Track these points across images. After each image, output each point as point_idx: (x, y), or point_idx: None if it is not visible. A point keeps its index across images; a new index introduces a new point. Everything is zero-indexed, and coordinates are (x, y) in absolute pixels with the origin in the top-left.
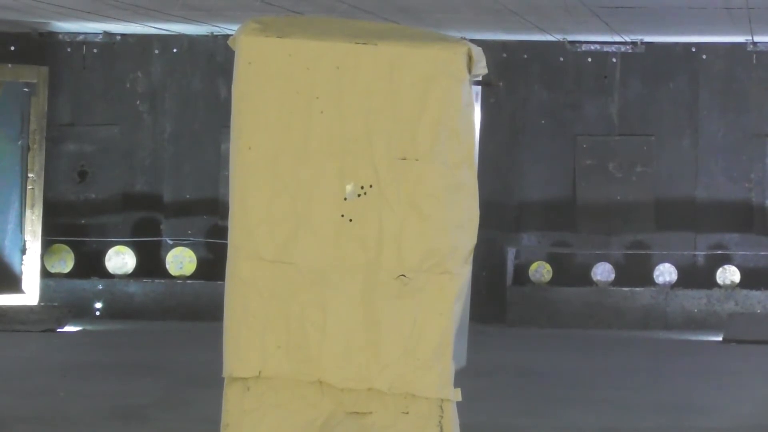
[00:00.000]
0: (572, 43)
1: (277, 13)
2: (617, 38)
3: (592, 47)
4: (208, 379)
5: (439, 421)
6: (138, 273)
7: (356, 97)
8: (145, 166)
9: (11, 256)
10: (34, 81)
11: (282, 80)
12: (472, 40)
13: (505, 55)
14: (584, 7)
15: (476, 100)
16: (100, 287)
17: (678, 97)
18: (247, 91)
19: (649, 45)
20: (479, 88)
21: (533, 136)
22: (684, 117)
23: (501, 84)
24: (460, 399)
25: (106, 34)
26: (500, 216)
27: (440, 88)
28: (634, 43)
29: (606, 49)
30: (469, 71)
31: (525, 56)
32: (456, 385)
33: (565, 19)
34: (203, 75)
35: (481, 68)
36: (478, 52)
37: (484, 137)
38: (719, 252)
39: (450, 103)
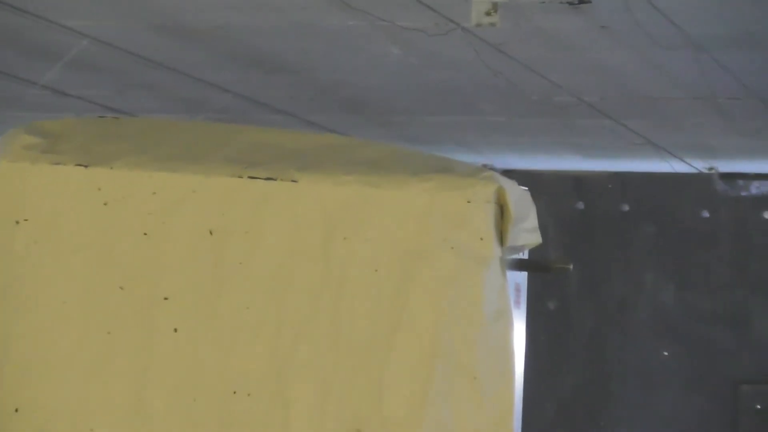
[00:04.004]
0: (727, 176)
1: (90, 113)
2: None
3: None
4: None
5: None
6: None
7: (252, 295)
8: None
9: None
10: None
11: (88, 257)
12: (509, 173)
13: (581, 205)
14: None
15: (517, 304)
16: None
17: None
18: (12, 283)
19: None
20: (523, 276)
21: (644, 384)
22: None
23: (570, 267)
24: None
25: None
26: None
27: (434, 276)
28: None
29: None
30: (502, 240)
31: (624, 206)
32: None
33: (715, 123)
34: None
35: (528, 233)
36: (518, 196)
37: (533, 385)
38: None
39: (457, 311)
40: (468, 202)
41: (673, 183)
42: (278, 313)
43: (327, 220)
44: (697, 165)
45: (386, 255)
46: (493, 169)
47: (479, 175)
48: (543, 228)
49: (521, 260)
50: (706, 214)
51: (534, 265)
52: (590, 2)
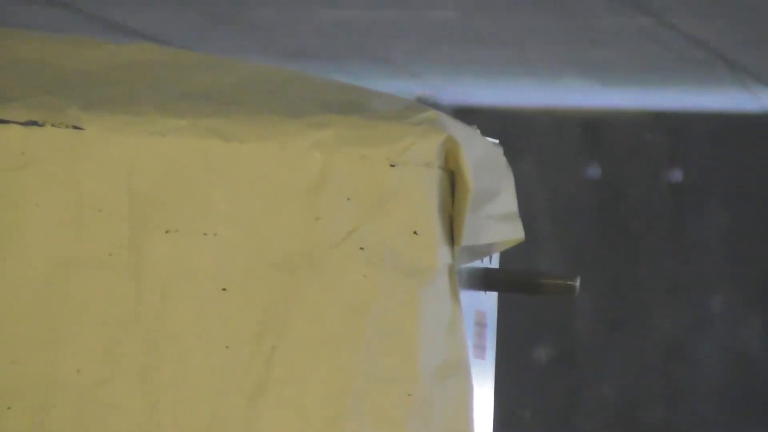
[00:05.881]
0: None
1: None
2: None
3: None
4: None
5: None
6: None
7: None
8: None
9: None
10: None
11: None
12: (468, 112)
13: (597, 170)
14: None
15: (480, 351)
16: None
17: None
18: None
19: None
20: (492, 301)
21: None
22: None
23: (577, 285)
24: None
25: None
26: None
27: (330, 301)
28: None
29: None
30: (453, 236)
31: (675, 173)
32: None
33: None
34: None
35: (500, 222)
36: (482, 155)
37: None
38: None
39: (373, 365)
40: (391, 166)
41: (765, 132)
42: (45, 370)
43: (136, 200)
44: None
45: (242, 262)
46: (437, 106)
47: (413, 117)
48: (529, 213)
49: (489, 272)
50: None
51: (513, 281)
52: None
